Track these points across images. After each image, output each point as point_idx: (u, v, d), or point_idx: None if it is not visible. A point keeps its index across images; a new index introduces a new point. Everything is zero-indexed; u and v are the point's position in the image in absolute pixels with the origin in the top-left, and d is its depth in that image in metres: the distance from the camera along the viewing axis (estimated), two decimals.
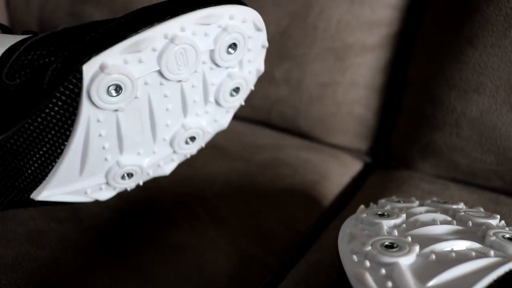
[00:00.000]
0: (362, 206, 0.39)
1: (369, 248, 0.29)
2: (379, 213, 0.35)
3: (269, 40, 0.64)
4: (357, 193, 0.58)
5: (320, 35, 0.62)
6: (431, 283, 0.26)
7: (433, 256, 0.28)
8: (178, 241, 0.45)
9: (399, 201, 0.40)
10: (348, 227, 0.35)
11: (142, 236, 0.45)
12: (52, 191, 0.36)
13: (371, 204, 0.41)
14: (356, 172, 0.62)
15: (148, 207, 0.49)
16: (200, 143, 0.42)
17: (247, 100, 0.65)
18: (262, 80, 0.65)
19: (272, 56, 0.64)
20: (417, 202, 0.39)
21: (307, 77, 0.63)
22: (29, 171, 0.34)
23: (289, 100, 0.65)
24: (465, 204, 0.41)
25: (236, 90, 0.41)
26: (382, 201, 0.40)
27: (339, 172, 0.60)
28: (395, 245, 0.29)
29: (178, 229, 0.47)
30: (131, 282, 0.40)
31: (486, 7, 0.50)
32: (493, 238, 0.30)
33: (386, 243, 0.29)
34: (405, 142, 0.60)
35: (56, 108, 0.32)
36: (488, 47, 0.50)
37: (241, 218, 0.48)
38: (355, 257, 0.29)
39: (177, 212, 0.48)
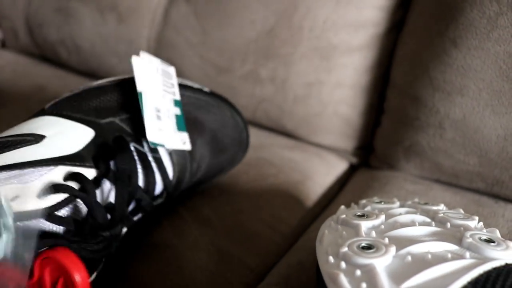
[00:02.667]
0: (342, 207, 0.39)
1: (346, 249, 0.29)
2: (359, 214, 0.35)
3: (255, 39, 0.64)
4: (340, 193, 0.58)
5: (306, 35, 0.62)
6: (405, 285, 0.26)
7: (409, 258, 0.28)
8: (159, 240, 0.45)
9: (380, 202, 0.40)
10: (326, 228, 0.35)
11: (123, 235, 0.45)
12: None
13: (352, 204, 0.41)
14: (340, 172, 0.62)
15: None
16: None
17: (233, 99, 0.65)
18: (248, 79, 0.66)
19: (258, 55, 0.64)
20: (397, 203, 0.39)
21: (292, 77, 0.63)
22: None
23: (275, 99, 0.65)
24: (447, 205, 0.41)
25: None
26: (363, 201, 0.40)
27: (323, 171, 0.60)
28: (371, 247, 0.29)
29: (160, 228, 0.46)
30: (111, 280, 0.39)
31: (470, 10, 0.50)
32: (470, 240, 0.30)
33: (363, 244, 0.30)
34: (389, 142, 0.60)
35: None
36: (472, 49, 0.50)
37: (223, 217, 0.48)
38: (331, 258, 0.29)
39: (159, 211, 0.48)
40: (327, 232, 0.33)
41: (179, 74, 0.62)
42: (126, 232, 0.39)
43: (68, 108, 0.40)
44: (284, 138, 0.66)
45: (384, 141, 0.61)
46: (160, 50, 0.74)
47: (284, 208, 0.51)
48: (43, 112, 0.40)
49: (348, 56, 0.61)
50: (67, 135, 0.38)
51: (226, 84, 0.67)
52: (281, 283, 0.40)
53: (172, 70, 0.46)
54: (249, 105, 0.66)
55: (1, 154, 0.35)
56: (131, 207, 0.39)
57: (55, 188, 0.34)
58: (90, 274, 0.34)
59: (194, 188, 0.49)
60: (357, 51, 0.61)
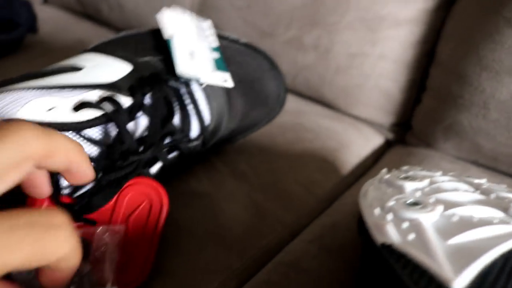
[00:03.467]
0: (384, 170, 0.39)
1: (393, 203, 0.29)
2: (403, 176, 0.35)
3: (301, 5, 0.63)
4: (374, 166, 0.57)
5: (353, 4, 0.61)
6: (452, 241, 0.26)
7: (456, 218, 0.28)
8: (197, 189, 0.45)
9: (421, 170, 0.40)
10: (370, 186, 0.35)
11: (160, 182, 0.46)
12: None
13: (393, 170, 0.41)
14: (376, 145, 0.62)
15: None
16: None
17: None
18: (291, 45, 0.65)
19: (303, 22, 0.64)
20: (440, 172, 0.39)
21: (336, 46, 0.62)
22: None
23: (316, 67, 0.64)
24: None
25: None
26: (405, 167, 0.40)
27: (359, 143, 0.60)
28: (418, 203, 0.29)
29: (197, 178, 0.47)
30: None
31: None
32: None
33: (410, 201, 0.29)
34: (429, 120, 0.59)
35: None
36: None
37: (260, 174, 0.49)
38: (377, 210, 0.29)
39: (196, 164, 0.49)
40: (372, 189, 0.33)
41: None
42: (163, 175, 0.40)
43: (107, 47, 0.42)
44: (321, 107, 0.65)
45: (424, 119, 0.60)
46: (204, 13, 0.74)
47: (320, 172, 0.51)
48: (83, 52, 0.42)
49: (395, 30, 0.60)
50: (105, 67, 0.39)
51: (268, 49, 0.66)
52: (314, 241, 0.41)
53: (208, 22, 0.47)
54: (289, 72, 0.66)
55: (41, 79, 0.37)
56: (166, 141, 0.40)
57: (89, 105, 0.35)
58: None
59: (231, 139, 0.49)
60: (405, 25, 0.60)
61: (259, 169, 0.49)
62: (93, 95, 0.37)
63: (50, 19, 0.85)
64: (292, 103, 0.65)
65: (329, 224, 0.43)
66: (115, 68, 0.39)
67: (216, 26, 0.71)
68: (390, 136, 0.65)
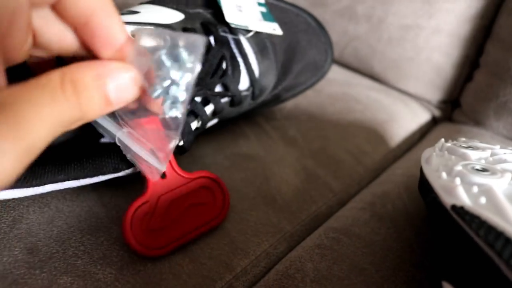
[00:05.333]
0: (442, 139, 0.38)
1: (460, 168, 0.28)
2: (464, 145, 0.35)
3: None
4: (422, 140, 0.57)
5: None
6: None
7: None
8: (247, 151, 0.45)
9: (480, 142, 0.39)
10: (431, 152, 0.34)
11: (212, 143, 0.46)
12: None
13: (449, 140, 0.40)
14: (424, 121, 0.61)
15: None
16: None
17: None
18: (342, 15, 0.64)
19: None
20: (498, 145, 0.38)
21: (390, 17, 0.61)
22: None
23: (368, 38, 0.63)
24: None
25: None
26: (463, 139, 0.39)
27: (407, 117, 0.59)
28: (486, 170, 0.28)
29: (247, 141, 0.47)
30: None
31: None
32: None
33: (477, 167, 0.29)
34: (481, 97, 0.58)
35: None
36: None
37: (310, 141, 0.48)
38: (444, 175, 0.28)
39: (246, 127, 0.49)
40: (434, 155, 0.32)
41: None
42: (217, 125, 0.40)
43: (159, 1, 0.42)
44: (369, 80, 0.64)
45: (475, 96, 0.59)
46: None
47: (369, 142, 0.51)
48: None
49: (452, 2, 0.59)
50: (160, 13, 0.40)
51: (319, 18, 0.65)
52: (365, 208, 0.40)
53: None
54: (339, 42, 0.65)
55: None
56: (218, 89, 0.40)
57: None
58: None
59: (280, 96, 0.49)
60: None
61: (308, 135, 0.49)
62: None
63: None
64: (340, 74, 0.64)
65: (379, 193, 0.43)
66: (169, 15, 0.40)
67: None
68: (437, 113, 0.64)
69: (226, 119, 0.44)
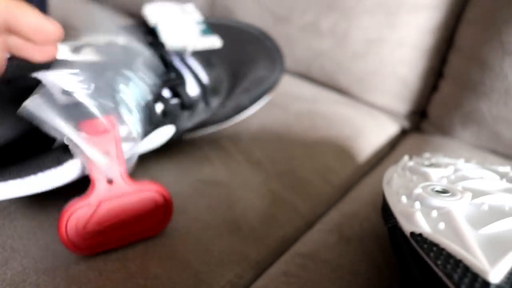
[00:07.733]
0: (406, 157, 0.38)
1: (420, 190, 0.28)
2: (426, 163, 0.34)
3: None
4: (391, 154, 0.56)
5: None
6: (484, 230, 0.24)
7: (486, 207, 0.27)
8: (211, 176, 0.44)
9: (444, 157, 0.38)
10: (393, 173, 0.33)
11: (175, 169, 0.45)
12: None
13: (414, 157, 0.40)
14: (392, 133, 0.60)
15: (180, 145, 0.48)
16: None
17: (289, 51, 0.64)
18: (307, 31, 0.64)
19: (320, 6, 0.63)
20: (462, 159, 0.38)
21: (354, 31, 0.61)
22: None
23: (332, 53, 0.63)
24: None
25: None
26: (427, 154, 0.39)
27: (375, 131, 0.58)
28: (446, 191, 0.28)
29: (212, 165, 0.46)
30: None
31: None
32: None
33: (437, 188, 0.28)
34: (446, 107, 0.58)
35: None
36: None
37: (276, 162, 0.48)
38: (404, 198, 0.28)
39: (211, 151, 0.48)
40: (396, 176, 0.32)
41: None
42: (178, 141, 0.42)
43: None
44: (336, 94, 0.64)
45: (441, 106, 0.59)
46: None
47: (336, 160, 0.50)
48: None
49: (414, 15, 0.59)
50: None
51: (283, 35, 0.65)
52: (333, 230, 0.40)
53: (191, 5, 0.50)
54: (305, 58, 0.65)
55: None
56: (168, 95, 0.42)
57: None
58: None
59: (241, 103, 0.48)
60: (424, 10, 0.59)
61: (275, 157, 0.48)
62: None
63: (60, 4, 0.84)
64: (307, 89, 0.63)
65: (348, 213, 0.42)
66: None
67: (231, 11, 0.69)
68: (406, 124, 0.64)
69: (184, 131, 0.44)
